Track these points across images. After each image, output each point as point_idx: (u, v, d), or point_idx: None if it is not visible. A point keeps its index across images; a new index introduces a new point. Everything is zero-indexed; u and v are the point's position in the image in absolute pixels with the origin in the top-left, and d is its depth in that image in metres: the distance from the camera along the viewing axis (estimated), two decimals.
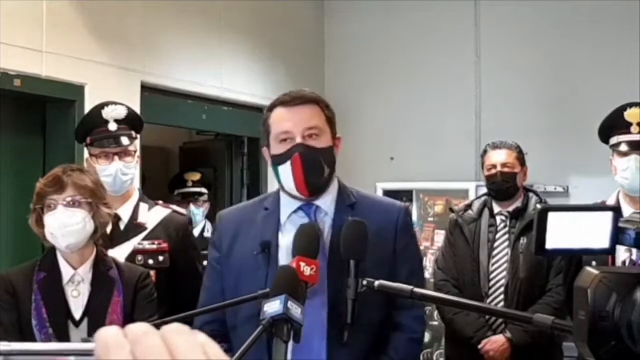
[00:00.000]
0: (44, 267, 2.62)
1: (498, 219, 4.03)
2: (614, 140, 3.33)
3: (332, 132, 2.39)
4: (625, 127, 3.28)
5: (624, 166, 3.26)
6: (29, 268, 2.64)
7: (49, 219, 2.54)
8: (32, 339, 2.50)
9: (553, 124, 5.70)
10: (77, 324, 2.57)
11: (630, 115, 3.30)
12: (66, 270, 2.61)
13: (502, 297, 3.92)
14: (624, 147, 3.28)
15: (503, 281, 3.94)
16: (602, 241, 1.31)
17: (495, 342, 3.90)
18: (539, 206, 3.96)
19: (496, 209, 4.06)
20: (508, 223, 4.01)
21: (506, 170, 4.03)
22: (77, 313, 2.58)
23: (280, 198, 2.42)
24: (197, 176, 5.37)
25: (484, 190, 4.27)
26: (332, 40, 6.44)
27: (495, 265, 3.98)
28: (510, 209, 4.03)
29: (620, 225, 1.30)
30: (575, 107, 5.61)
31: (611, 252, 1.32)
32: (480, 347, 3.92)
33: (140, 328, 0.65)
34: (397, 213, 2.44)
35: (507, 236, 4.00)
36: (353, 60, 6.31)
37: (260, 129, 2.47)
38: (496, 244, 4.00)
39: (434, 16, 6.11)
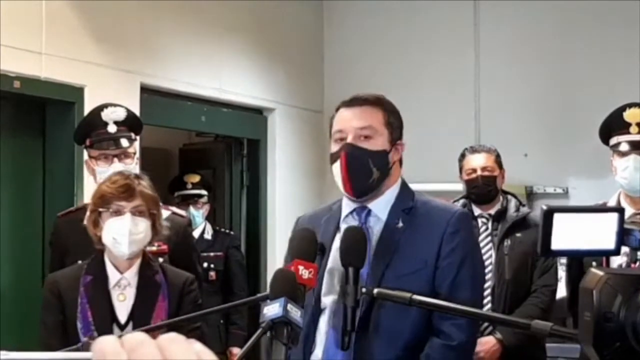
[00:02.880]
0: (91, 270, 2.63)
1: (479, 221, 4.03)
2: (613, 140, 3.35)
3: (392, 136, 2.37)
4: (625, 127, 3.30)
5: (623, 166, 3.28)
6: (76, 270, 2.67)
7: (113, 224, 2.55)
8: (77, 341, 2.52)
9: (552, 125, 5.70)
10: (122, 327, 2.58)
11: (629, 115, 3.32)
12: (113, 274, 2.62)
13: (488, 298, 3.91)
14: (623, 147, 3.30)
15: (489, 283, 3.92)
16: (608, 242, 1.31)
17: (486, 343, 3.87)
18: (527, 209, 4.00)
19: (476, 211, 4.05)
20: (490, 225, 4.01)
21: (486, 173, 4.04)
22: (122, 317, 2.59)
23: (342, 200, 2.45)
24: (196, 178, 5.35)
25: None
26: (331, 41, 6.43)
27: None
28: (492, 211, 4.03)
29: (626, 226, 1.30)
30: (575, 108, 5.61)
31: (617, 253, 1.32)
32: None
33: (136, 337, 0.65)
34: (448, 219, 2.31)
35: (489, 238, 4.00)
36: (352, 61, 6.30)
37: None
38: None
39: (433, 17, 6.11)
